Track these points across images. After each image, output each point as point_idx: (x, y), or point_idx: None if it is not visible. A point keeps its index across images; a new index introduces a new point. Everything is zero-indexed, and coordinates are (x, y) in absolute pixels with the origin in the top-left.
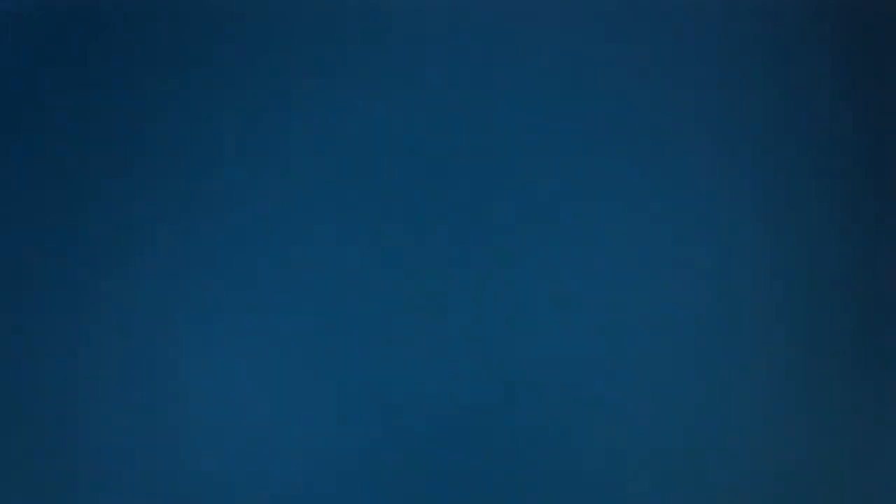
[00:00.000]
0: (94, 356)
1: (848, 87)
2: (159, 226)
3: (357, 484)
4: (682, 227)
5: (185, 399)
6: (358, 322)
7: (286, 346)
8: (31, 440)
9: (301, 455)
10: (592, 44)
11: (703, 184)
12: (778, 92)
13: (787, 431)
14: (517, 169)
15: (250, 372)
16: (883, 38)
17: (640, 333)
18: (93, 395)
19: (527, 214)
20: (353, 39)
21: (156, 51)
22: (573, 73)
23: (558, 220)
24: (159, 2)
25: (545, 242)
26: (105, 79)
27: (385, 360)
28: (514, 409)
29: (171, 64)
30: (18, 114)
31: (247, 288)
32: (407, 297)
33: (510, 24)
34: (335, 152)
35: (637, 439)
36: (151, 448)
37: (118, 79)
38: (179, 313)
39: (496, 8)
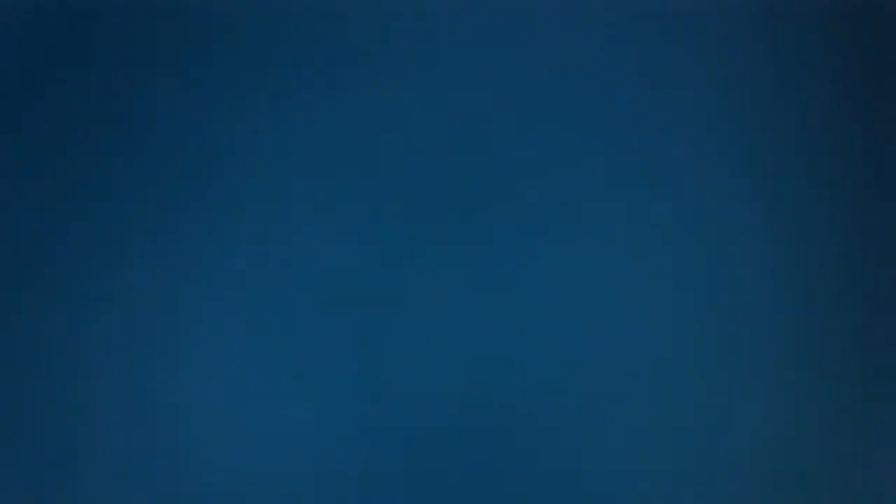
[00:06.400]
0: (92, 357)
1: (848, 87)
2: (158, 227)
3: (357, 484)
4: (683, 227)
5: (185, 399)
6: (359, 323)
7: (286, 347)
8: (31, 440)
9: (301, 455)
10: (593, 44)
11: (702, 185)
12: (778, 92)
13: (788, 432)
14: (518, 170)
15: (251, 373)
16: (883, 38)
17: (640, 335)
18: (92, 395)
19: (527, 215)
20: (354, 40)
21: (156, 51)
22: (574, 75)
23: (558, 221)
24: (159, 2)
25: (544, 243)
26: (105, 79)
27: (385, 361)
28: (514, 410)
29: (171, 64)
30: (18, 114)
31: (247, 289)
32: (407, 298)
33: (511, 25)
34: (335, 152)
35: (637, 440)
36: (151, 448)
37: (118, 79)
38: (179, 314)
39: (497, 8)
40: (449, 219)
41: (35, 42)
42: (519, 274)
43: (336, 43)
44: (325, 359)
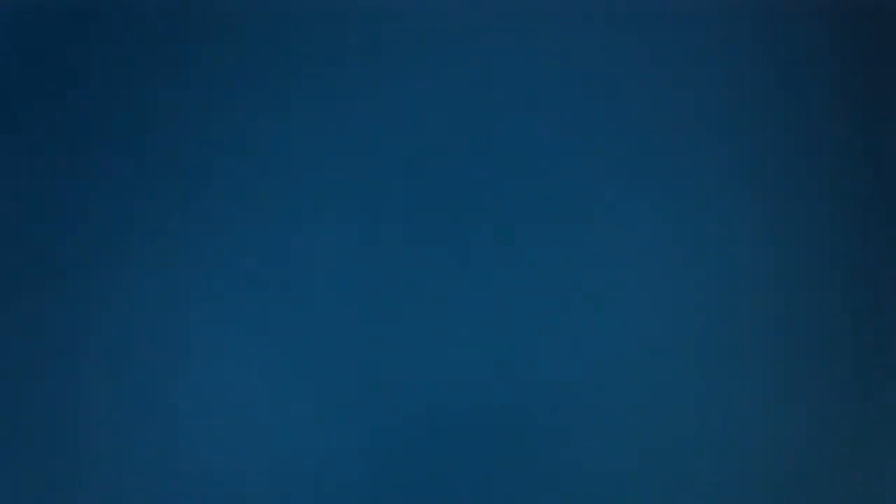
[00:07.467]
0: (92, 356)
1: (848, 87)
2: (157, 227)
3: (356, 485)
4: (683, 228)
5: (185, 399)
6: (358, 323)
7: (286, 347)
8: (30, 440)
9: (301, 455)
10: (594, 45)
11: (702, 185)
12: (778, 92)
13: (788, 434)
14: (518, 171)
15: (251, 372)
16: (883, 38)
17: (639, 336)
18: (91, 395)
19: (527, 216)
20: (354, 40)
21: (156, 51)
22: (574, 74)
23: (558, 222)
24: (159, 2)
25: (545, 244)
26: (105, 79)
27: (385, 361)
28: (517, 410)
29: (171, 64)
30: (18, 114)
31: (248, 288)
32: (407, 298)
33: (510, 25)
34: (335, 152)
35: (637, 441)
36: (151, 448)
37: (118, 79)
38: (179, 314)
39: (498, 8)
40: (451, 217)
41: (35, 42)
42: (523, 273)
43: (336, 43)
44: (327, 358)
